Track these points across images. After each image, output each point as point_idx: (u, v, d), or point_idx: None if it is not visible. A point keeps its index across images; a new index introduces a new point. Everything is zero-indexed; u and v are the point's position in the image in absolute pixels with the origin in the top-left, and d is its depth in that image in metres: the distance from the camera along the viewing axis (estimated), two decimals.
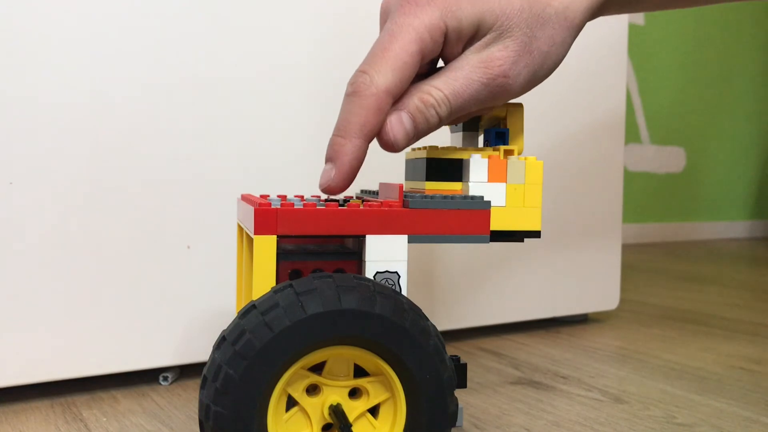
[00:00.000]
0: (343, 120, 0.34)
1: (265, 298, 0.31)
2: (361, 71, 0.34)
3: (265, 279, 0.32)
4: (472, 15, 0.35)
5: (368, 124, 0.34)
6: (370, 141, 0.34)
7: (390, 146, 0.35)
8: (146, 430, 0.44)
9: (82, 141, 0.47)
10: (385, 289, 0.32)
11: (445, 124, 0.38)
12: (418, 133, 0.36)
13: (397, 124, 0.35)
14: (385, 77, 0.34)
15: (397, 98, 0.35)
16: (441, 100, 0.35)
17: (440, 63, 0.39)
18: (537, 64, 0.37)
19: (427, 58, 0.35)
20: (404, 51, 0.34)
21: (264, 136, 0.53)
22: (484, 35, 0.36)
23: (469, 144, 0.43)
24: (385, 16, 0.38)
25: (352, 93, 0.34)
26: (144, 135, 0.49)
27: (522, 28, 0.36)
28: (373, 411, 0.34)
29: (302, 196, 0.40)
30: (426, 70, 0.37)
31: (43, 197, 0.46)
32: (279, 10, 0.54)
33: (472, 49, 0.36)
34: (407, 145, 0.36)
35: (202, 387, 0.31)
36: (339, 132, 0.34)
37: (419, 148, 0.40)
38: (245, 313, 0.30)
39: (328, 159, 0.34)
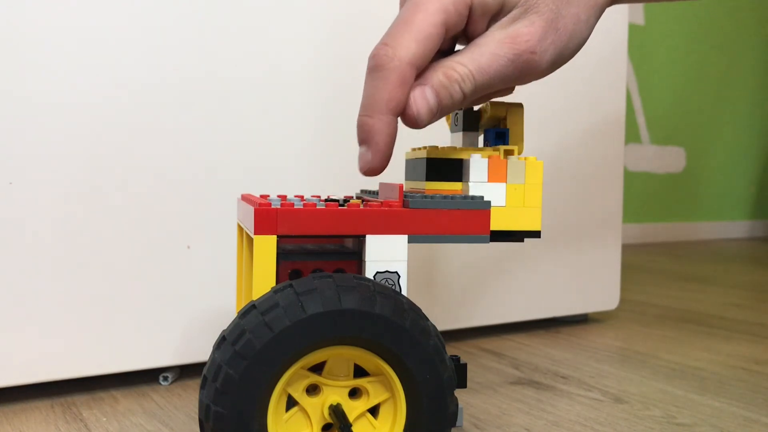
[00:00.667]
0: (368, 97, 0.33)
1: (265, 298, 0.31)
2: (383, 44, 0.33)
3: (265, 279, 0.32)
4: None
5: (394, 99, 0.33)
6: (398, 115, 0.34)
7: (413, 122, 0.34)
8: (146, 430, 0.44)
9: (82, 141, 0.47)
10: (385, 289, 0.32)
11: (469, 103, 0.37)
12: (442, 109, 0.35)
13: (421, 99, 0.34)
14: (407, 49, 0.33)
15: (420, 71, 0.34)
16: (466, 76, 0.34)
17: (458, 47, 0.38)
18: (563, 42, 0.36)
19: (451, 31, 0.35)
20: (428, 22, 0.33)
21: (264, 136, 0.53)
22: (510, 11, 0.35)
23: (469, 144, 0.43)
24: None
25: (374, 67, 0.33)
26: (144, 135, 0.49)
27: (548, 4, 0.35)
28: (373, 411, 0.34)
29: (302, 196, 0.40)
30: (447, 47, 0.37)
31: (43, 197, 0.46)
32: (279, 10, 0.54)
33: (498, 24, 0.35)
34: (430, 121, 0.35)
35: (202, 387, 0.31)
36: (365, 111, 0.33)
37: (419, 148, 0.40)
38: (245, 313, 0.30)
39: (362, 141, 0.34)
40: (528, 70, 0.36)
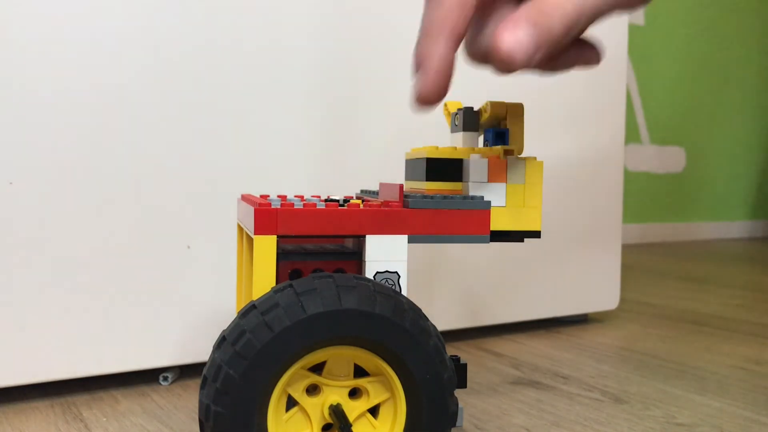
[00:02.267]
0: (425, 22, 0.31)
1: (265, 298, 0.31)
2: None
3: (265, 279, 0.32)
4: None
5: (448, 20, 0.30)
6: (457, 40, 0.31)
7: (504, 63, 0.29)
8: (146, 430, 0.44)
9: (82, 141, 0.47)
10: (385, 289, 0.32)
11: (565, 43, 0.30)
12: (539, 45, 0.28)
13: (508, 33, 0.28)
14: None
15: None
16: (567, 2, 0.29)
17: None
18: None
19: None
20: None
21: (264, 136, 0.53)
22: None
23: (469, 144, 0.43)
24: None
25: None
26: (144, 135, 0.49)
27: None
28: (373, 411, 0.34)
29: (302, 196, 0.40)
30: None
31: (43, 197, 0.46)
32: (280, 10, 0.54)
33: None
34: (526, 62, 0.29)
35: (202, 387, 0.31)
36: (418, 39, 0.31)
37: (419, 149, 0.40)
38: (245, 313, 0.30)
39: (415, 68, 0.31)
40: None
